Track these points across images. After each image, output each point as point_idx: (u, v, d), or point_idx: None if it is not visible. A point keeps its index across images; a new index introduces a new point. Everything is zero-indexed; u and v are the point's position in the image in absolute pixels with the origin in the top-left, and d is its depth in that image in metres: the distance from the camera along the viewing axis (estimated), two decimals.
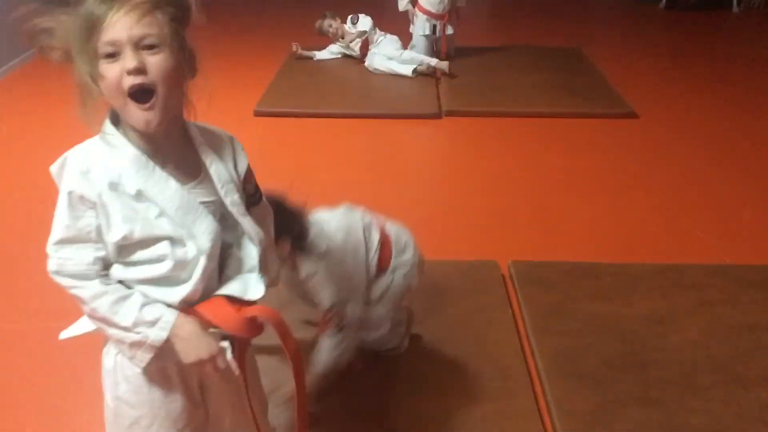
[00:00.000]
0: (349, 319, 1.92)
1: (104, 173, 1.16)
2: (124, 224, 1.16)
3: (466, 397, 2.05)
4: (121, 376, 1.30)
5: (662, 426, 1.97)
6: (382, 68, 5.05)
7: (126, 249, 1.19)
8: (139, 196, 1.16)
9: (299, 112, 4.37)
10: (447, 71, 4.93)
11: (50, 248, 1.20)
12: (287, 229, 1.74)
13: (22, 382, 2.22)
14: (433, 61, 4.98)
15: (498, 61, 5.36)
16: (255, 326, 1.25)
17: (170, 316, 1.20)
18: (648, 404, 2.04)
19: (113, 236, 1.17)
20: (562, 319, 2.41)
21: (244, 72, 5.23)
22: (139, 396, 1.30)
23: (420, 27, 5.14)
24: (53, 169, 1.19)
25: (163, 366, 1.26)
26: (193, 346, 1.21)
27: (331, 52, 5.40)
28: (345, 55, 5.38)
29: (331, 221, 1.95)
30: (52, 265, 1.21)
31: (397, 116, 4.40)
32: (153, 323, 1.19)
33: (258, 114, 4.38)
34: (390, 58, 5.03)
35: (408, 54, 5.05)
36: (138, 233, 1.17)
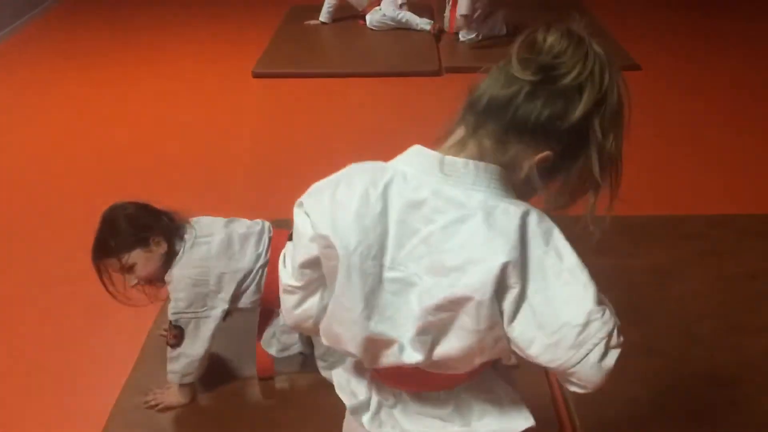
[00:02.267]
0: (188, 337, 1.82)
1: None
2: None
3: None
4: None
5: (665, 375, 1.99)
6: (390, 22, 4.95)
7: None
8: None
9: (298, 73, 4.33)
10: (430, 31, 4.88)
11: None
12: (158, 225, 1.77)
13: (27, 347, 2.25)
14: (426, 25, 4.92)
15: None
16: None
17: None
18: (651, 354, 2.06)
19: None
20: None
21: (241, 33, 5.17)
22: None
23: None
24: None
25: None
26: None
27: (329, 5, 5.16)
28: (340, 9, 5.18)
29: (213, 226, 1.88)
30: None
31: (397, 74, 4.35)
32: None
33: (256, 75, 4.34)
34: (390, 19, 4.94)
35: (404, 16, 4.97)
36: None
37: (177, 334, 1.82)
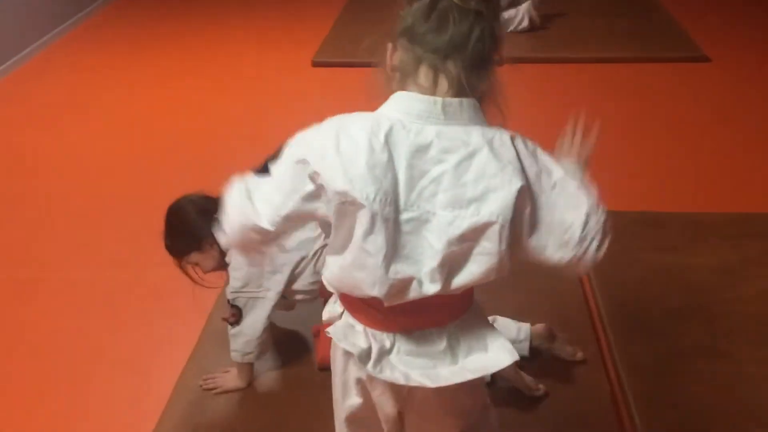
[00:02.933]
0: (246, 316, 1.87)
1: None
2: None
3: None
4: None
5: (730, 377, 1.93)
6: None
7: None
8: None
9: (359, 62, 4.27)
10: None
11: None
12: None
13: (91, 328, 2.32)
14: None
15: (558, 4, 5.17)
16: None
17: None
18: (715, 355, 2.00)
19: None
20: (627, 270, 2.36)
21: (302, 22, 5.19)
22: None
23: None
24: None
25: None
26: None
27: None
28: None
29: None
30: None
31: None
32: None
33: (316, 65, 4.35)
34: None
35: None
36: None
37: (235, 313, 1.88)
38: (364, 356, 1.09)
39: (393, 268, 1.01)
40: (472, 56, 1.00)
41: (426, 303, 1.04)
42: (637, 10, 5.06)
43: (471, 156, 0.98)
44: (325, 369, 2.00)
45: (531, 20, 4.60)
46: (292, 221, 1.08)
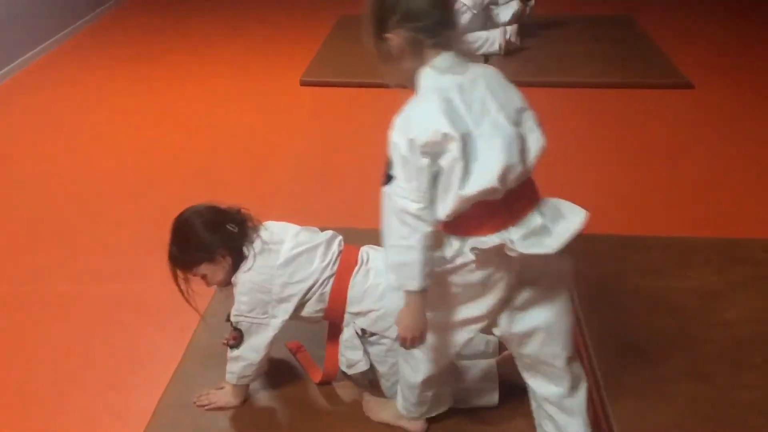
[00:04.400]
0: (247, 341, 1.85)
1: None
2: None
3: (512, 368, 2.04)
4: None
5: (713, 402, 1.94)
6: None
7: None
8: None
9: (346, 82, 4.34)
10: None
11: None
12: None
13: (76, 342, 2.29)
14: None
15: (547, 29, 5.24)
16: None
17: None
18: (699, 380, 2.01)
19: None
20: (611, 293, 2.37)
21: (291, 40, 5.22)
22: None
23: None
24: None
25: None
26: None
27: None
28: None
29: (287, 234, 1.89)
30: None
31: None
32: None
33: (304, 84, 4.37)
34: None
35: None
36: None
37: (236, 336, 1.85)
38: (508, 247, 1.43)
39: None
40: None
41: (524, 187, 1.47)
42: (620, 36, 5.12)
43: (498, 81, 1.50)
44: (324, 384, 2.01)
45: (503, 46, 4.67)
46: (430, 188, 1.43)
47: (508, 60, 4.68)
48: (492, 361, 1.96)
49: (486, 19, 4.76)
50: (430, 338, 1.61)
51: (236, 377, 1.90)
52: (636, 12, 5.65)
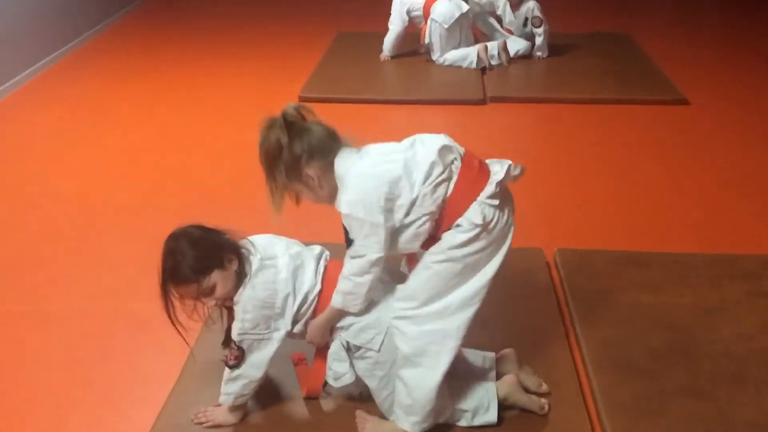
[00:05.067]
0: (248, 358, 1.85)
1: None
2: None
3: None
4: None
5: (711, 419, 1.94)
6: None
7: None
8: None
9: (344, 98, 4.37)
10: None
11: None
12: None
13: (74, 361, 2.29)
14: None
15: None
16: None
17: None
18: (696, 397, 2.01)
19: None
20: (609, 309, 2.38)
21: (290, 57, 5.25)
22: None
23: None
24: None
25: None
26: None
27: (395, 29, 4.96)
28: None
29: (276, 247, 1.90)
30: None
31: (442, 102, 4.38)
32: None
33: (303, 99, 4.39)
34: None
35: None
36: None
37: (238, 355, 1.85)
38: None
39: None
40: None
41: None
42: (618, 53, 5.16)
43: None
44: (312, 398, 2.01)
45: (486, 62, 4.74)
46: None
47: (506, 76, 4.72)
48: (491, 379, 1.97)
49: (464, 36, 4.84)
50: (446, 323, 1.76)
51: (233, 397, 1.89)
52: (633, 30, 5.69)
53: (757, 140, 3.81)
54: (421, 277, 1.78)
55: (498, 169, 1.79)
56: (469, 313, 1.79)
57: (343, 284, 1.80)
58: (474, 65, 4.76)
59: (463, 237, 1.72)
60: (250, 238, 1.90)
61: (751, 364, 2.13)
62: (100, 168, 3.63)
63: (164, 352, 2.27)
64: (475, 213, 1.72)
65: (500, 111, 4.26)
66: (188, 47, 5.55)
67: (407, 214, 1.73)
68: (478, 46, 4.78)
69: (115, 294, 2.59)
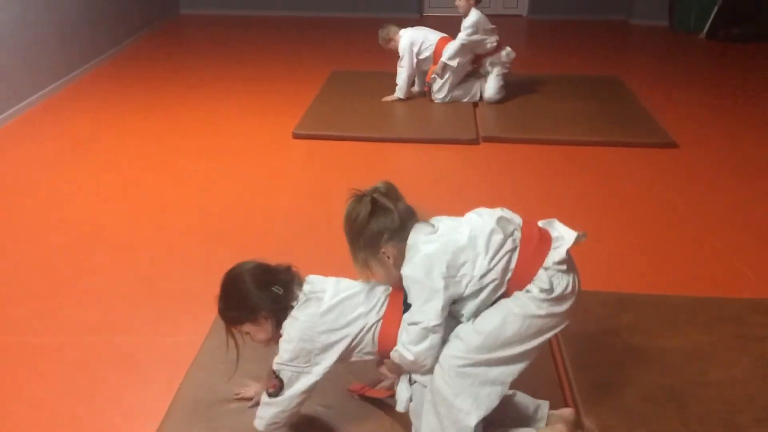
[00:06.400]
0: (287, 390, 1.87)
1: None
2: None
3: (502, 426, 2.03)
4: None
5: None
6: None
7: None
8: None
9: (337, 135, 4.40)
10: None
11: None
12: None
13: (59, 396, 2.25)
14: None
15: (536, 88, 5.36)
16: None
17: None
18: None
19: None
20: (599, 351, 2.37)
21: (284, 94, 5.30)
22: None
23: None
24: None
25: None
26: None
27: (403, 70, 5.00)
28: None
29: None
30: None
31: (435, 141, 4.41)
32: None
33: (296, 137, 4.42)
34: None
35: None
36: None
37: (277, 385, 1.86)
38: None
39: None
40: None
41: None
42: (607, 95, 5.23)
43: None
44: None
45: (481, 95, 4.99)
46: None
47: (497, 115, 4.77)
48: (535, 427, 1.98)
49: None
50: (497, 371, 1.79)
51: (265, 423, 1.90)
52: (623, 73, 5.79)
53: (743, 184, 3.85)
54: (492, 323, 1.80)
55: (557, 235, 1.86)
56: (520, 367, 1.82)
57: (405, 353, 1.79)
58: (477, 98, 5.00)
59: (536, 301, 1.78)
60: (308, 277, 1.94)
61: (741, 409, 2.12)
62: (93, 201, 3.62)
63: (151, 387, 2.24)
64: (542, 279, 1.77)
65: (493, 151, 4.30)
66: (183, 83, 5.59)
67: (470, 284, 1.77)
68: (478, 82, 5.00)
69: (101, 329, 2.57)
